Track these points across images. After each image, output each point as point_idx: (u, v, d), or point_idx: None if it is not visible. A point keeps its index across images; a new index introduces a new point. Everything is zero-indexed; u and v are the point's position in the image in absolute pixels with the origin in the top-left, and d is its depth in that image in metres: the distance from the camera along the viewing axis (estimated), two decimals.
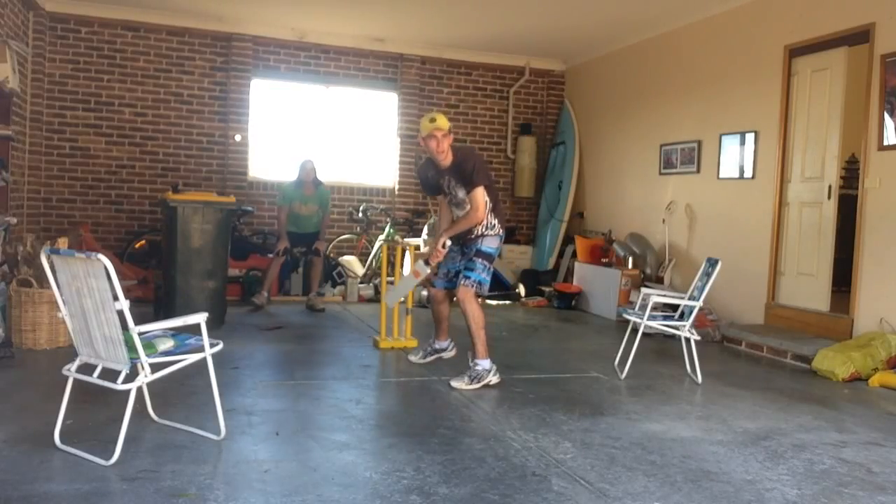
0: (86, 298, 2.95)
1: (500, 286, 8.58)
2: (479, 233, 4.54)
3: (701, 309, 4.87)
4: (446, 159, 4.45)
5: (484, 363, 4.44)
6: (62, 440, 3.06)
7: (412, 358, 5.03)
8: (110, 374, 3.01)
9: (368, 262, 8.66)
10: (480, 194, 4.41)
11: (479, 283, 4.49)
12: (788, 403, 4.31)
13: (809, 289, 6.02)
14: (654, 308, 5.02)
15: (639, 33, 8.10)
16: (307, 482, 2.81)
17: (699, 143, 7.24)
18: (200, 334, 3.20)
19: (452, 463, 3.06)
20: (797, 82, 6.17)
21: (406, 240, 7.97)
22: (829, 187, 5.87)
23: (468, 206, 4.47)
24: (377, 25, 8.45)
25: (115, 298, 2.87)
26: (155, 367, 3.04)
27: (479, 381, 4.37)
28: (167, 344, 3.19)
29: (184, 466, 2.89)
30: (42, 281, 4.88)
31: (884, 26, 5.36)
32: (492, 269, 4.56)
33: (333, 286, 8.14)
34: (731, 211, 6.81)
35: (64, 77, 8.08)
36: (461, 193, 4.50)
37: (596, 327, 6.97)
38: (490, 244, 4.54)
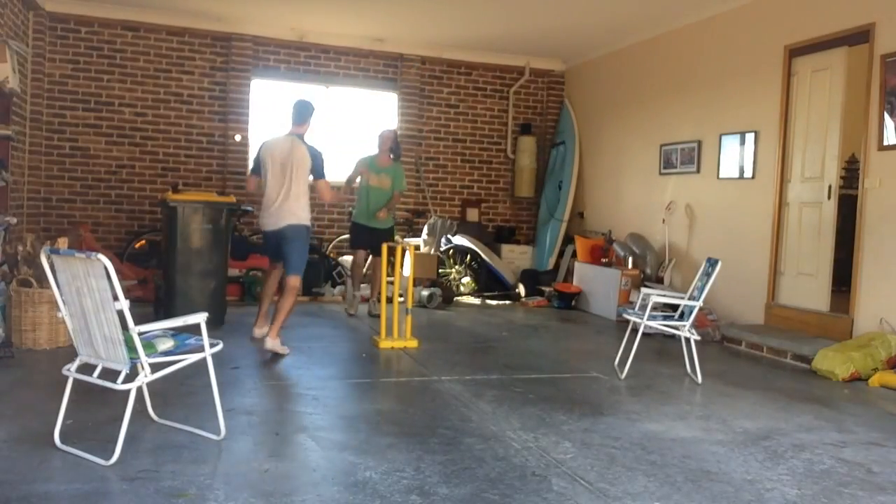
0: (86, 298, 2.95)
1: (499, 286, 8.59)
2: None
3: (701, 309, 4.87)
4: None
5: None
6: (62, 440, 3.06)
7: None
8: (110, 374, 3.01)
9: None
10: None
11: None
12: (788, 403, 4.31)
13: (809, 289, 6.01)
14: (654, 308, 5.02)
15: (639, 33, 8.09)
16: (307, 482, 2.81)
17: (699, 143, 7.24)
18: (200, 334, 3.20)
19: (452, 463, 3.06)
20: (797, 82, 6.17)
21: (406, 240, 7.96)
22: (829, 187, 5.87)
23: None
24: (377, 25, 8.44)
25: (115, 298, 2.87)
26: (155, 367, 3.04)
27: None
28: (167, 344, 3.19)
29: (184, 466, 2.89)
30: (42, 281, 4.88)
31: (884, 26, 5.36)
32: None
33: (333, 286, 8.14)
34: (731, 211, 6.81)
35: (64, 77, 8.08)
36: None
37: (596, 327, 6.97)
38: None
